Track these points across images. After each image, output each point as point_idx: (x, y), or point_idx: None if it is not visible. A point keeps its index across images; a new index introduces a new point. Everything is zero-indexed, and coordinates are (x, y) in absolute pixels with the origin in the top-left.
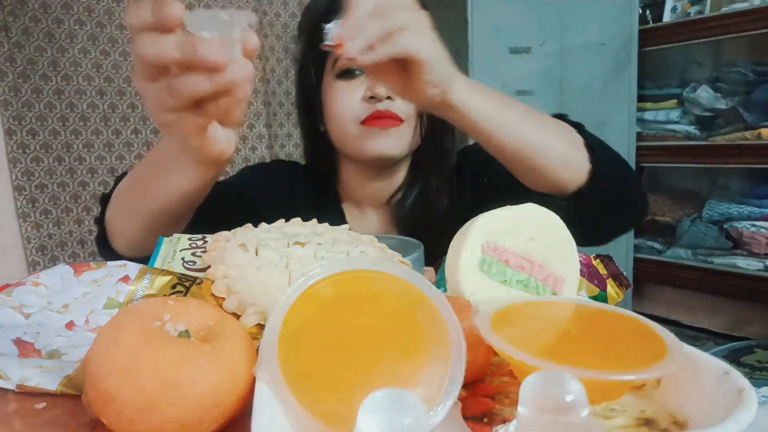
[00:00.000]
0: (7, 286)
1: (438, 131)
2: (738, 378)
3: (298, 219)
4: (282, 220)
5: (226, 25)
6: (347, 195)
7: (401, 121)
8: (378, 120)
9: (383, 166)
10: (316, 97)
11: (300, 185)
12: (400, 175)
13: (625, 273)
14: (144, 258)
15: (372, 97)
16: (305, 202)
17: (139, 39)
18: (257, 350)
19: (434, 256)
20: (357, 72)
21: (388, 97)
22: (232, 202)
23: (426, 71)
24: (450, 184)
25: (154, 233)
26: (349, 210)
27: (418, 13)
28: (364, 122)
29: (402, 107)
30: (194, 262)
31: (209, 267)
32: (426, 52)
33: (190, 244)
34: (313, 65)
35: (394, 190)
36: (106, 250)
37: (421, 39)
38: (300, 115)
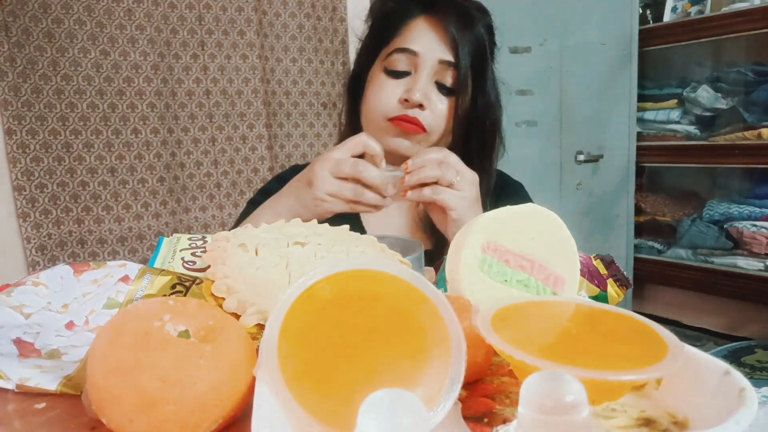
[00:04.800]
0: (7, 285)
1: (477, 150)
2: (738, 378)
3: (298, 219)
4: (282, 220)
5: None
6: None
7: (424, 130)
8: (402, 122)
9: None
10: (363, 79)
11: None
12: None
13: (625, 273)
14: None
15: (406, 100)
16: None
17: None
18: (257, 350)
19: (435, 256)
20: (404, 73)
21: (420, 105)
22: None
23: (452, 223)
24: (484, 202)
25: None
26: None
27: (465, 174)
28: (391, 119)
29: (429, 119)
30: (194, 262)
31: (209, 267)
32: (454, 209)
33: (190, 244)
34: (369, 50)
35: None
36: None
37: (457, 199)
38: (346, 94)
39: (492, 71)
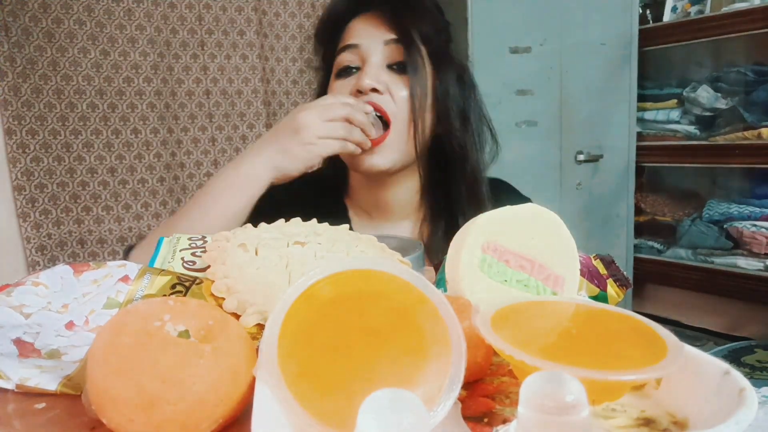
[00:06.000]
0: (7, 285)
1: (458, 137)
2: (738, 378)
3: (298, 219)
4: (282, 220)
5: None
6: (356, 206)
7: (388, 125)
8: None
9: (378, 177)
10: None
11: (308, 197)
12: (409, 184)
13: (625, 273)
14: None
15: (359, 92)
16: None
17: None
18: (257, 350)
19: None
20: (353, 69)
21: (374, 90)
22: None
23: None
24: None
25: None
26: (358, 222)
27: None
28: None
29: (392, 106)
30: (194, 262)
31: (209, 267)
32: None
33: (189, 244)
34: (324, 69)
35: (403, 201)
36: None
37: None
38: None
39: (450, 49)
